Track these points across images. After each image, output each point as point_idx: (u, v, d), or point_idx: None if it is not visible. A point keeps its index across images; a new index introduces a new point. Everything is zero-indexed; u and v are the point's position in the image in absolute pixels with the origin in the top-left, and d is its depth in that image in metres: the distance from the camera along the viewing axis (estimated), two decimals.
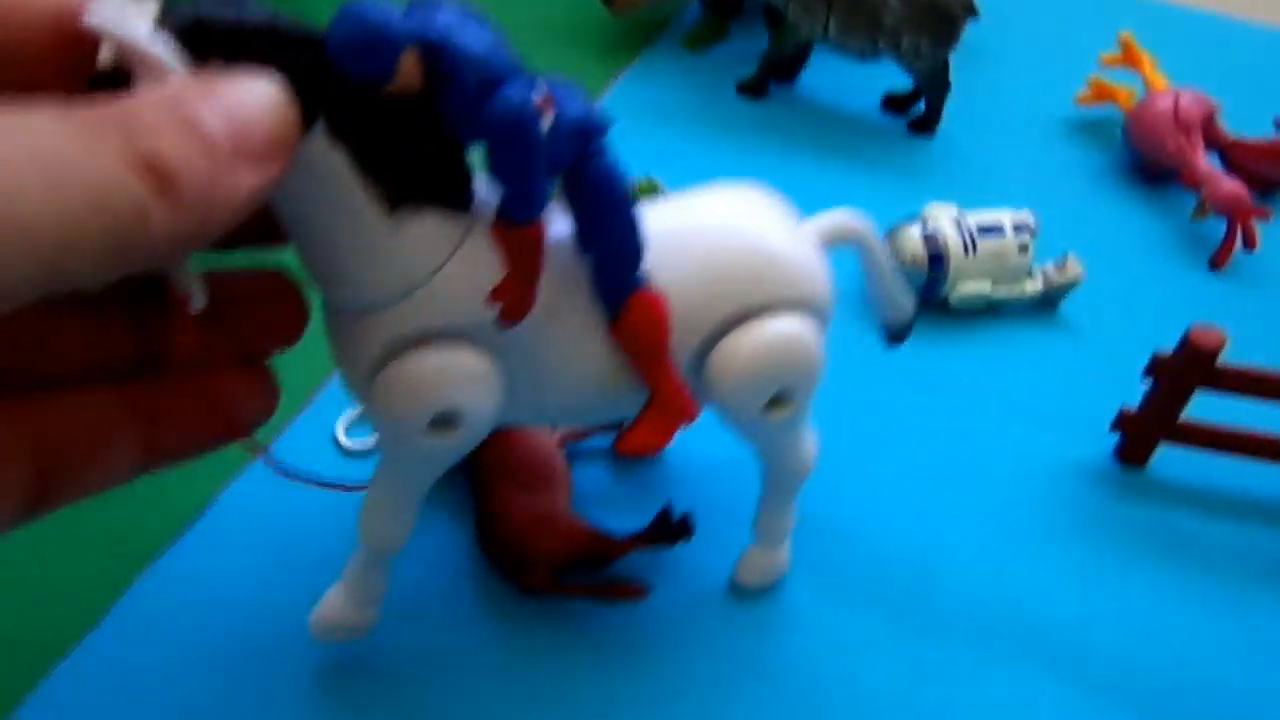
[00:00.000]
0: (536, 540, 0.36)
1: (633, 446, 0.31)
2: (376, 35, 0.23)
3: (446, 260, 0.26)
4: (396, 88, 0.24)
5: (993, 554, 0.41)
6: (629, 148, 0.58)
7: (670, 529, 0.37)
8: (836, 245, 0.34)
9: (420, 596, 0.37)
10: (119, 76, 0.20)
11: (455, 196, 0.26)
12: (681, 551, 0.39)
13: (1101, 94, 0.65)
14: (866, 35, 0.59)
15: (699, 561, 0.39)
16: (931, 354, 0.48)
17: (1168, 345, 0.42)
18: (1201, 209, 0.56)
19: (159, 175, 0.17)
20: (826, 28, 0.60)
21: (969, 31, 0.70)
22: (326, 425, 0.43)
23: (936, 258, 0.48)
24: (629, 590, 0.37)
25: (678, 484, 0.42)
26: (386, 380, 0.27)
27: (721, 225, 0.31)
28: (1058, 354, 0.49)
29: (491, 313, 0.27)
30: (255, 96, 0.20)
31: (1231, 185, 0.55)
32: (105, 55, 0.20)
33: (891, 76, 0.63)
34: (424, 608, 0.37)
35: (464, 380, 0.28)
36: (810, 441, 0.36)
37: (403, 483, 0.31)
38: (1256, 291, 0.54)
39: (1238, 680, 0.38)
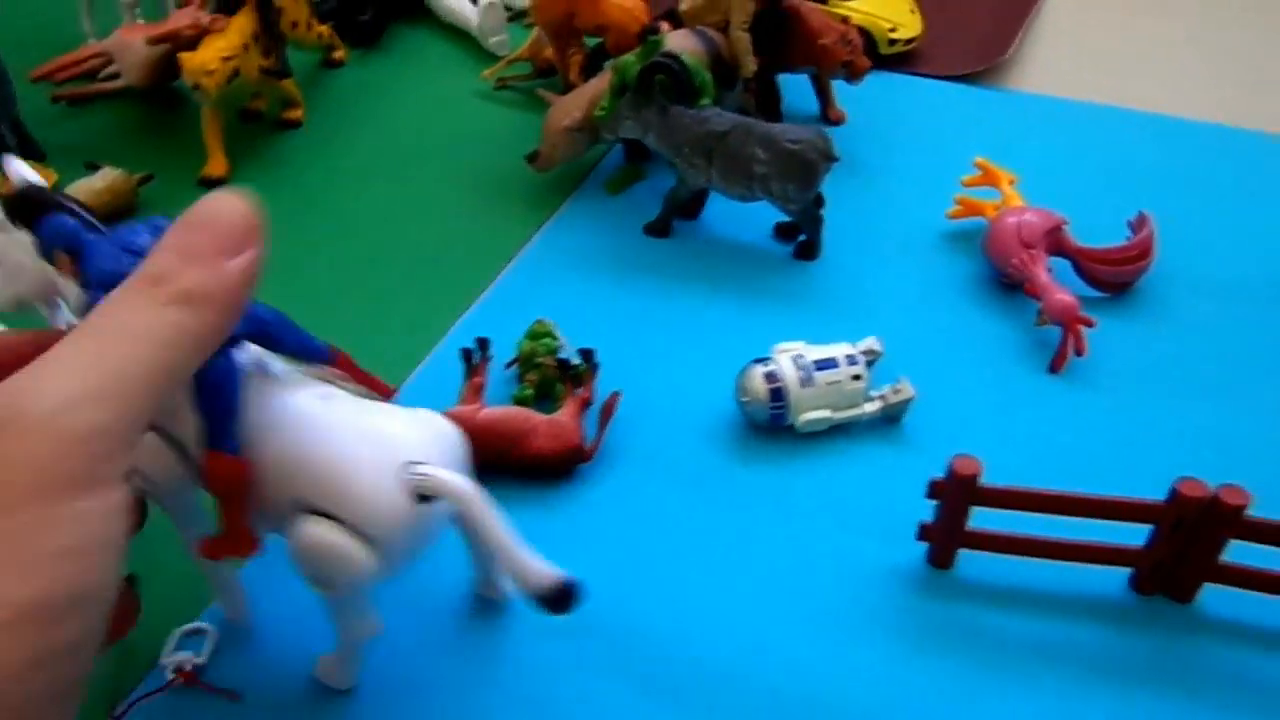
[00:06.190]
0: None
1: (208, 554, 0.41)
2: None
3: None
4: None
5: (811, 649, 0.49)
6: (548, 291, 0.69)
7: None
8: (439, 498, 0.39)
9: None
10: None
11: None
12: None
13: (969, 209, 0.72)
14: (743, 183, 0.69)
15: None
16: (777, 474, 0.57)
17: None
18: (1041, 317, 0.64)
19: (186, 298, 0.27)
20: (709, 178, 0.70)
21: (858, 150, 0.79)
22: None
23: (777, 392, 0.57)
24: None
25: None
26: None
27: (341, 433, 0.39)
28: (892, 465, 0.57)
29: None
30: (219, 208, 0.29)
31: (1062, 296, 0.63)
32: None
33: None
34: None
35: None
36: (366, 624, 0.42)
37: None
38: (1088, 391, 0.61)
39: None
